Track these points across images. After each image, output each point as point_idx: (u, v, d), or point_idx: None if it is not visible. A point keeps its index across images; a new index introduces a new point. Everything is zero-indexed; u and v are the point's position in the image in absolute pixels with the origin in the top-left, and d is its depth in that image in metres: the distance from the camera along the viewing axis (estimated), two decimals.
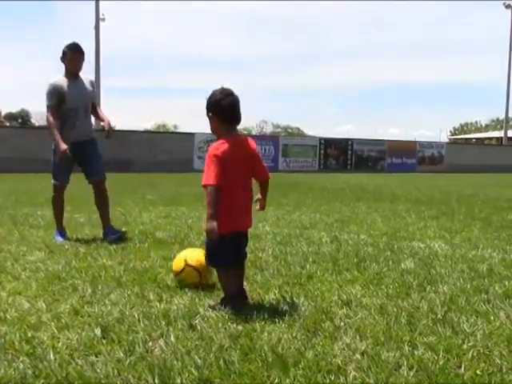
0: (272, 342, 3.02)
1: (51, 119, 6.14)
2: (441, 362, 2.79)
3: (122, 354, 2.84)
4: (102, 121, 6.43)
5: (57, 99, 6.12)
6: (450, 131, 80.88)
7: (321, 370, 2.70)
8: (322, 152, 30.52)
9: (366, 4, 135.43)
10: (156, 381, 2.58)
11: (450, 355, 2.90)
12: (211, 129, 3.72)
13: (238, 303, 3.63)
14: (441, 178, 23.63)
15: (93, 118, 6.71)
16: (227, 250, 3.63)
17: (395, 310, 3.64)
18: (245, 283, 4.23)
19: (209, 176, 3.48)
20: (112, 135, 6.31)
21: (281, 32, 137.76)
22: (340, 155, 31.20)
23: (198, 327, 3.25)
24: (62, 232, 6.36)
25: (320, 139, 31.33)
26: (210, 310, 3.59)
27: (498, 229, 7.53)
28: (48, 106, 6.17)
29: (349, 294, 4.02)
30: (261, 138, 33.08)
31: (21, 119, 65.19)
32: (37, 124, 56.28)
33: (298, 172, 27.26)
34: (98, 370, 2.67)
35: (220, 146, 3.56)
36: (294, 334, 3.17)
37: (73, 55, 6.15)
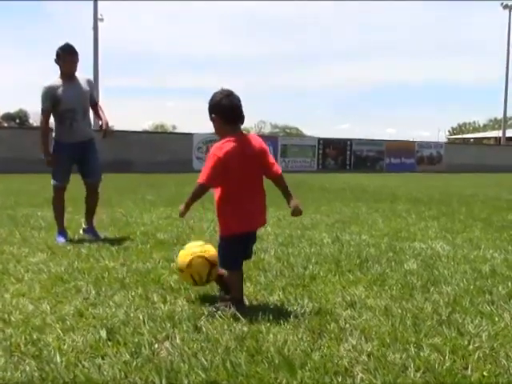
0: (278, 344, 3.02)
1: (43, 125, 6.21)
2: (447, 364, 2.79)
3: (128, 356, 2.84)
4: (100, 119, 6.44)
5: (50, 102, 6.12)
6: (449, 131, 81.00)
7: (328, 371, 2.70)
8: (321, 152, 30.54)
9: (365, 4, 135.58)
10: (163, 383, 2.58)
11: (456, 356, 2.90)
12: (215, 130, 3.74)
13: (243, 305, 3.65)
14: (440, 178, 23.66)
15: (92, 118, 6.72)
16: (238, 252, 3.68)
17: (400, 311, 3.64)
18: (248, 284, 4.26)
19: (203, 174, 3.56)
20: (109, 135, 6.34)
21: (279, 32, 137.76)
22: (339, 155, 31.23)
23: (204, 329, 3.25)
24: (63, 233, 6.37)
25: (319, 139, 31.34)
26: (215, 310, 3.59)
27: (498, 229, 7.53)
28: (42, 110, 6.20)
29: (352, 295, 4.02)
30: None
31: (19, 119, 65.11)
32: (35, 124, 56.22)
33: (297, 172, 27.24)
34: (105, 373, 2.66)
35: (223, 146, 3.57)
36: (299, 336, 3.16)
37: (66, 56, 6.13)
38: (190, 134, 27.15)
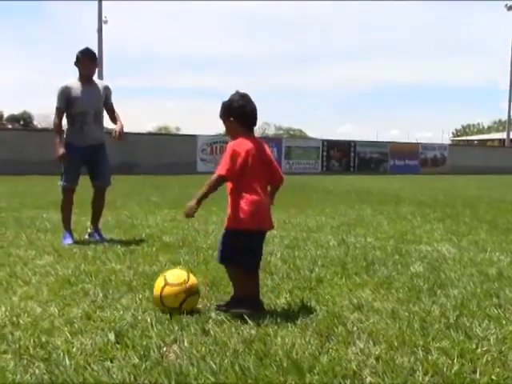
0: (286, 347, 3.02)
1: (56, 121, 6.30)
2: (456, 367, 2.79)
3: (136, 360, 2.84)
4: (115, 124, 6.50)
5: (64, 102, 6.23)
6: (453, 133, 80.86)
7: (336, 375, 2.70)
8: (325, 154, 30.54)
9: (365, 4, 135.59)
10: None
11: (465, 360, 2.90)
12: (229, 132, 3.78)
13: (247, 307, 3.59)
14: (444, 180, 23.64)
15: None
16: (245, 249, 3.65)
17: (407, 314, 3.64)
18: None
19: (222, 166, 3.56)
20: (121, 139, 6.38)
21: (279, 32, 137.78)
22: (343, 157, 31.23)
23: (212, 332, 3.25)
24: (70, 235, 6.39)
25: (323, 141, 31.33)
26: (218, 310, 3.62)
27: (504, 231, 7.53)
28: (56, 108, 6.30)
29: (359, 298, 4.02)
30: (263, 140, 33.06)
31: (23, 121, 65.23)
32: (39, 126, 56.33)
33: (301, 174, 27.25)
34: (114, 376, 2.67)
35: (243, 143, 3.64)
36: (307, 339, 3.17)
37: (85, 60, 6.27)
38: (194, 136, 27.17)
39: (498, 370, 2.79)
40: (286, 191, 14.12)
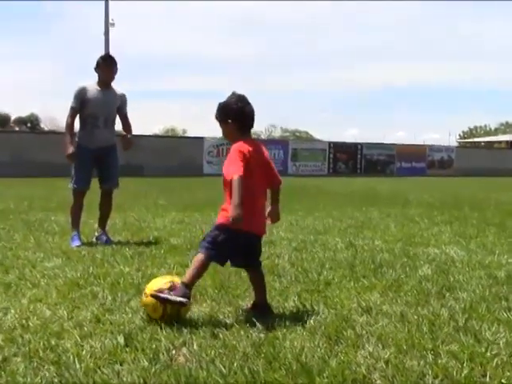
0: (295, 350, 3.02)
1: (69, 120, 6.41)
2: (465, 371, 2.79)
3: (146, 363, 2.85)
4: (127, 131, 6.63)
5: (79, 102, 6.35)
6: (459, 135, 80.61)
7: (346, 378, 2.70)
8: (332, 156, 30.54)
9: (371, 4, 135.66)
10: None
11: (474, 364, 2.90)
12: (226, 134, 3.77)
13: (187, 294, 3.48)
14: (451, 182, 23.59)
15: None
16: (227, 247, 3.58)
17: (416, 317, 3.64)
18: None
19: (237, 167, 3.49)
20: (127, 148, 6.53)
21: (286, 33, 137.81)
22: (349, 159, 31.24)
23: (220, 335, 3.25)
24: (78, 237, 6.42)
25: (329, 143, 31.35)
26: (159, 295, 3.48)
27: None
28: (71, 107, 6.41)
29: (368, 301, 4.02)
30: (270, 142, 33.12)
31: (30, 123, 65.43)
32: (46, 128, 56.50)
33: (308, 176, 27.27)
34: (124, 379, 2.68)
35: (245, 145, 3.61)
36: (316, 342, 3.17)
37: (105, 65, 6.41)
38: (200, 138, 27.22)
39: (508, 373, 2.79)
40: (293, 193, 14.15)
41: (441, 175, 31.62)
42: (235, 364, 2.83)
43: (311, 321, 3.54)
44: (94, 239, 6.60)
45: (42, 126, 63.08)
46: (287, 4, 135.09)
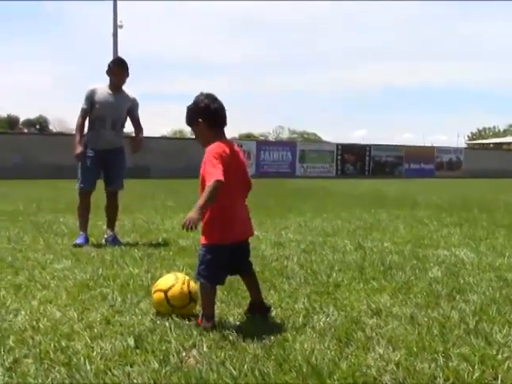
0: (305, 353, 3.01)
1: (79, 121, 6.47)
2: (476, 374, 2.77)
3: (156, 365, 2.85)
4: (137, 135, 6.68)
5: (89, 104, 6.43)
6: (468, 136, 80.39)
7: (356, 381, 2.70)
8: (340, 158, 30.50)
9: (376, 4, 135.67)
10: None
11: (486, 366, 2.88)
12: (198, 135, 3.64)
13: (211, 326, 3.38)
14: (460, 184, 23.51)
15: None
16: (217, 264, 3.46)
17: (426, 319, 3.62)
18: (272, 292, 4.26)
19: (215, 172, 3.34)
20: (136, 150, 6.55)
21: (293, 35, 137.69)
22: (357, 161, 31.19)
23: (230, 337, 3.24)
24: (84, 236, 6.47)
25: (337, 145, 31.32)
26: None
27: None
28: (81, 108, 6.49)
29: (378, 303, 4.01)
30: (278, 143, 33.13)
31: (39, 125, 65.67)
32: (54, 130, 56.69)
33: (316, 178, 27.24)
34: (135, 381, 2.68)
35: (220, 147, 3.49)
36: (326, 344, 3.16)
37: (116, 69, 6.47)
38: None
39: None
40: (301, 195, 14.12)
41: (449, 177, 31.53)
42: (245, 366, 2.82)
43: (321, 323, 3.53)
44: (104, 241, 6.61)
45: (51, 127, 63.30)
46: (289, 4, 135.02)
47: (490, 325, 3.52)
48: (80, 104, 6.49)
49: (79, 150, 6.33)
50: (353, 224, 8.54)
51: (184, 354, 3.02)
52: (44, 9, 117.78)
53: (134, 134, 6.78)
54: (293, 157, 28.89)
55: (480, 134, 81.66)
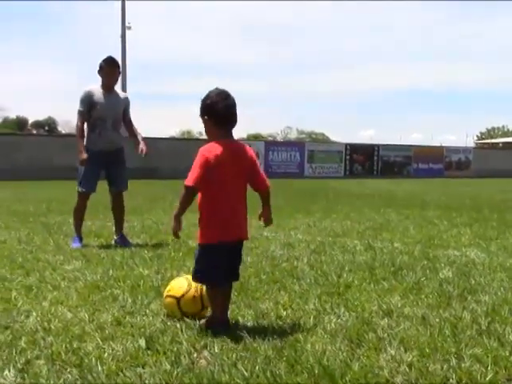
0: (317, 354, 3.00)
1: (79, 124, 6.41)
2: (490, 375, 2.76)
3: (168, 366, 2.85)
4: (134, 137, 6.63)
5: (87, 106, 6.36)
6: (477, 135, 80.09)
7: (369, 382, 2.69)
8: (348, 158, 30.44)
9: (384, 4, 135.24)
10: None
11: (498, 367, 2.86)
12: (206, 131, 3.59)
13: (218, 327, 3.38)
14: (469, 184, 23.41)
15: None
16: (215, 264, 3.43)
17: (438, 320, 3.61)
18: (282, 292, 4.25)
19: (191, 175, 3.38)
20: (146, 154, 6.55)
21: (302, 36, 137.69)
22: (366, 161, 31.10)
23: (241, 338, 3.24)
24: (79, 239, 6.53)
25: (346, 145, 31.24)
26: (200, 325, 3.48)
27: None
28: (78, 111, 6.42)
29: (389, 303, 3.99)
30: (286, 144, 33.11)
31: (47, 127, 65.94)
32: (63, 132, 56.90)
33: (324, 178, 27.20)
34: (147, 382, 2.68)
35: (212, 148, 3.42)
36: (337, 345, 3.15)
37: (108, 69, 6.39)
38: None
39: None
40: (310, 195, 14.09)
41: (458, 176, 31.40)
42: (257, 367, 2.82)
43: (332, 324, 3.52)
44: (113, 242, 6.62)
45: (60, 129, 63.56)
46: (300, 4, 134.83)
47: (503, 325, 3.51)
48: (76, 107, 6.40)
49: (85, 155, 6.28)
50: (362, 224, 8.52)
51: (195, 355, 3.02)
52: (52, 9, 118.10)
53: (130, 138, 6.72)
54: (301, 157, 28.85)
55: (489, 133, 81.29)
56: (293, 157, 28.48)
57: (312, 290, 4.40)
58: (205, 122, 3.54)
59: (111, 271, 5.00)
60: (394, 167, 31.92)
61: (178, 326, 3.46)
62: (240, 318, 3.66)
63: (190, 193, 3.40)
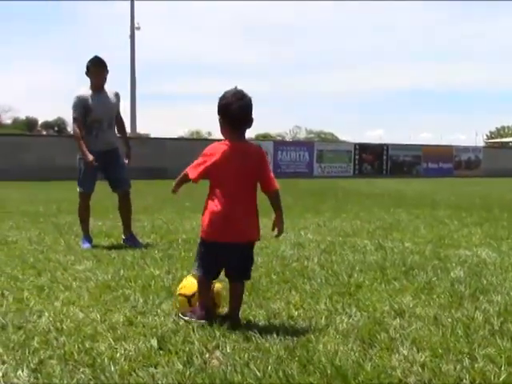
0: (329, 354, 3.00)
1: (77, 131, 6.39)
2: (503, 375, 2.75)
3: (180, 366, 2.85)
4: (124, 137, 6.81)
5: (82, 111, 6.33)
6: (487, 135, 79.67)
7: (381, 382, 2.68)
8: (357, 157, 30.38)
9: (392, 4, 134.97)
10: None
11: None
12: (220, 130, 3.61)
13: (202, 316, 3.54)
14: (479, 183, 23.30)
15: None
16: (206, 259, 3.56)
17: (450, 320, 3.59)
18: (293, 292, 4.24)
19: (192, 165, 3.62)
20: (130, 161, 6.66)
21: (310, 36, 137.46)
22: (375, 160, 31.04)
23: (253, 338, 3.24)
24: (88, 239, 6.54)
25: (355, 144, 31.20)
26: (182, 316, 3.62)
27: None
28: (74, 118, 6.43)
29: (400, 303, 3.98)
30: (295, 143, 33.12)
31: (57, 127, 66.18)
32: (72, 132, 57.10)
33: (333, 177, 27.16)
34: (159, 382, 2.69)
35: (217, 147, 3.51)
36: (350, 346, 3.14)
37: (94, 69, 6.35)
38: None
39: None
40: (319, 195, 14.07)
41: (468, 176, 31.28)
42: (269, 367, 2.81)
43: (344, 324, 3.52)
44: (122, 242, 6.63)
45: (69, 129, 63.77)
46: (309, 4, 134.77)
47: None
48: (71, 114, 6.39)
49: (91, 157, 6.26)
50: (372, 224, 8.50)
51: (207, 355, 3.03)
52: (63, 9, 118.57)
53: (118, 134, 6.77)
54: (310, 157, 28.82)
55: (499, 132, 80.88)
56: (302, 156, 28.46)
57: (323, 289, 4.39)
58: (219, 121, 3.57)
59: (122, 271, 5.01)
60: (403, 167, 31.84)
61: (190, 325, 3.46)
62: (251, 318, 3.66)
63: (184, 177, 3.71)
